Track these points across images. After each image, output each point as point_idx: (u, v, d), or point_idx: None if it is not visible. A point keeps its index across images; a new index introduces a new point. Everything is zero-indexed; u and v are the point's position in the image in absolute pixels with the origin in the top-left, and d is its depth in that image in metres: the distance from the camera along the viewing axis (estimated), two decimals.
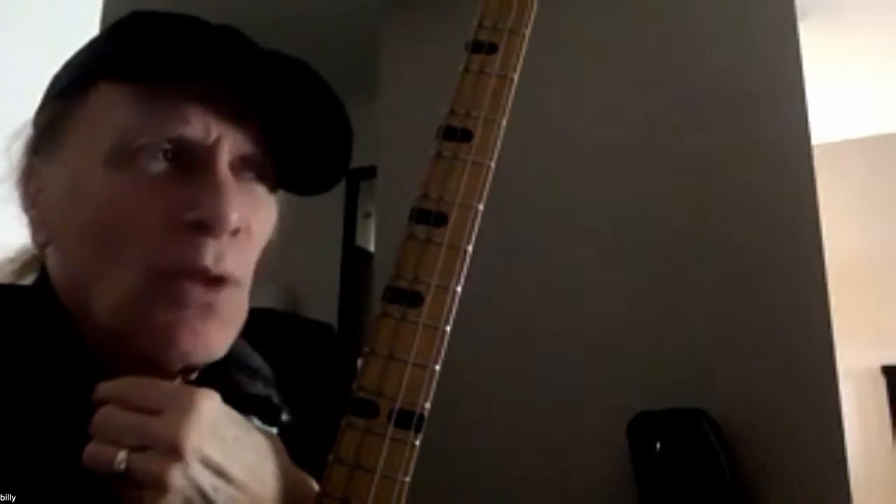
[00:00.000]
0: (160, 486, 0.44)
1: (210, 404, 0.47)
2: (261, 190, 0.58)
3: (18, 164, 0.59)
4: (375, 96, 2.73)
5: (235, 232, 0.53)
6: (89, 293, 0.53)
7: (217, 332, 0.54)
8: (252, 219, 0.56)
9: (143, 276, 0.51)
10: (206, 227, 0.51)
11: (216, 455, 0.46)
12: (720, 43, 2.21)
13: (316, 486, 0.51)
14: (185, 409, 0.46)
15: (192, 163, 0.53)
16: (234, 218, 0.52)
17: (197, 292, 0.52)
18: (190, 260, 0.51)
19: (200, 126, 0.53)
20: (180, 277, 0.52)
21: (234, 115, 0.55)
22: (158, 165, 0.53)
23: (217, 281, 0.53)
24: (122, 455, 0.44)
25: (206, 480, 0.45)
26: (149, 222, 0.52)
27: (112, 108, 0.54)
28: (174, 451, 0.44)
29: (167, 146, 0.53)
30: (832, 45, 2.77)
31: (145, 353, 0.52)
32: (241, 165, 0.56)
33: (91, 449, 0.45)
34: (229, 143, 0.54)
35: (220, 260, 0.52)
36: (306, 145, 0.58)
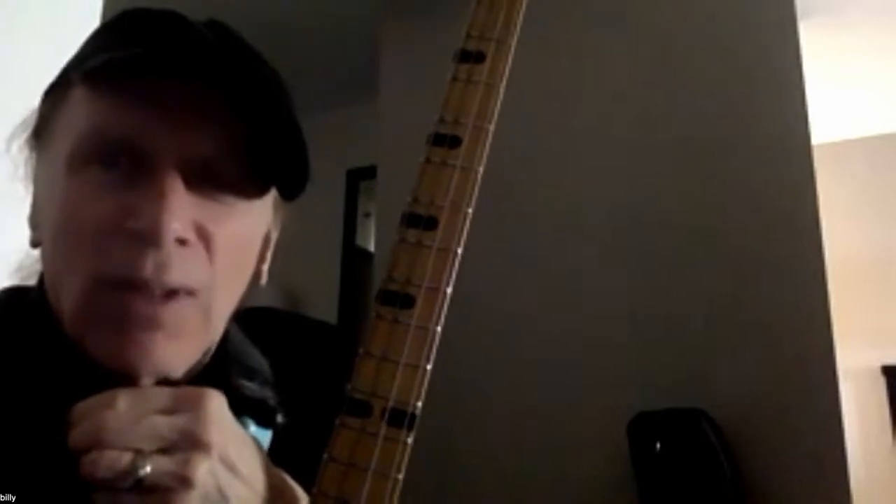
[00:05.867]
0: (185, 485, 0.43)
1: (219, 402, 0.47)
2: (228, 198, 0.54)
3: (26, 161, 0.60)
4: (375, 97, 2.74)
5: (183, 241, 0.51)
6: (58, 299, 0.53)
7: (165, 346, 0.51)
8: (213, 228, 0.53)
9: (88, 287, 0.50)
10: (144, 236, 0.49)
11: (231, 452, 0.46)
12: (720, 43, 2.22)
13: (292, 484, 0.52)
14: (199, 406, 0.45)
15: (141, 168, 0.51)
16: (173, 227, 0.49)
17: (140, 305, 0.50)
18: (128, 270, 0.49)
19: (153, 130, 0.51)
20: (123, 289, 0.50)
21: (192, 118, 0.52)
22: (110, 170, 0.51)
23: (167, 293, 0.50)
24: (142, 459, 0.43)
25: (224, 477, 0.45)
26: (93, 230, 0.50)
27: (78, 111, 0.53)
28: (201, 448, 0.44)
29: (117, 151, 0.51)
30: (832, 45, 2.77)
31: (101, 365, 0.51)
32: (202, 172, 0.53)
33: (104, 458, 0.43)
34: (183, 148, 0.52)
35: (161, 270, 0.50)
36: (261, 151, 0.55)
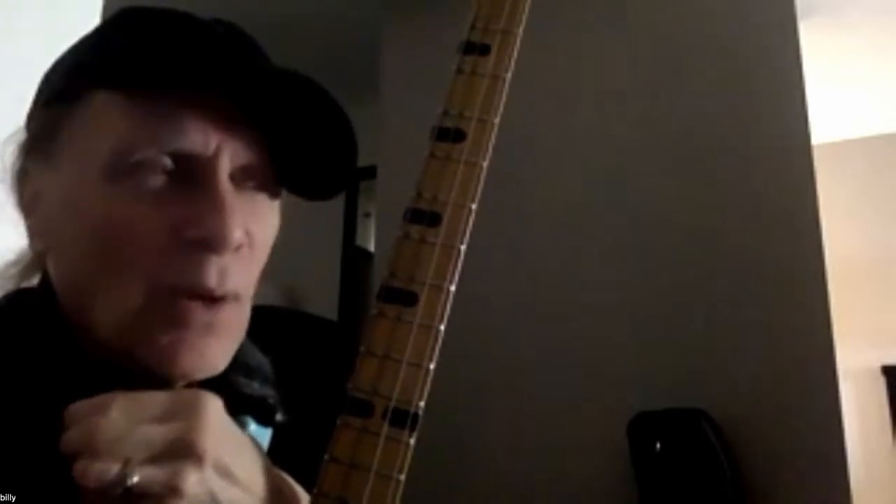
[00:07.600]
0: (175, 495, 0.43)
1: (216, 406, 0.46)
2: (262, 198, 0.56)
3: (12, 167, 0.58)
4: (375, 96, 2.74)
5: (238, 247, 0.52)
6: (90, 306, 0.52)
7: (217, 349, 0.53)
8: (254, 229, 0.54)
9: (143, 294, 0.50)
10: (209, 245, 0.50)
11: (226, 458, 0.45)
12: (720, 43, 2.22)
13: (293, 484, 0.51)
14: (194, 412, 0.45)
15: (191, 176, 0.52)
16: (237, 236, 0.51)
17: (198, 312, 0.51)
18: (193, 279, 0.50)
19: (200, 138, 0.52)
20: (181, 296, 0.50)
21: (235, 124, 0.53)
22: (157, 179, 0.51)
23: (220, 299, 0.52)
24: (131, 469, 0.42)
25: (217, 484, 0.45)
26: (149, 239, 0.50)
27: (108, 118, 0.52)
28: (192, 458, 0.43)
29: (166, 159, 0.51)
30: (832, 45, 2.77)
31: (147, 370, 0.51)
32: (242, 175, 0.54)
33: (94, 467, 0.42)
34: (230, 154, 0.53)
35: (223, 278, 0.51)
36: (310, 154, 0.56)
